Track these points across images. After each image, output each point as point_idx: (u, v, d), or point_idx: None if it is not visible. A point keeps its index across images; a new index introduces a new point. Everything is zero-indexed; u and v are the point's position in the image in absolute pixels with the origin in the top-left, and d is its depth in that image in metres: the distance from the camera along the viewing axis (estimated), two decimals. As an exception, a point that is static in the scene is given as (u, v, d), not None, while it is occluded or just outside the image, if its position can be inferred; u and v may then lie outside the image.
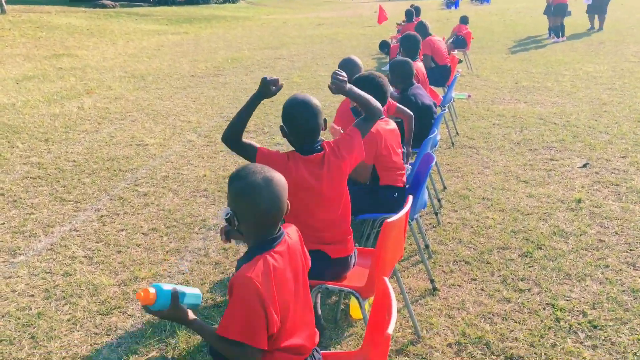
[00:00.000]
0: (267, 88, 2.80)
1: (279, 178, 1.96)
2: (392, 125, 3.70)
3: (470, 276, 3.81)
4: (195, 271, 3.97)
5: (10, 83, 11.36)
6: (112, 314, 3.48)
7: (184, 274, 3.93)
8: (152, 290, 1.84)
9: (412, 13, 12.37)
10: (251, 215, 1.92)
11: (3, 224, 4.79)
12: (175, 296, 1.88)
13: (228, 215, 1.94)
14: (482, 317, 3.35)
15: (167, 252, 4.27)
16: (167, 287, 1.88)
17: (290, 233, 2.08)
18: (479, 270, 3.88)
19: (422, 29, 8.42)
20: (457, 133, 7.21)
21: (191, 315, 1.93)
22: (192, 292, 1.96)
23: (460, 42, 12.03)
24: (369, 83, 3.67)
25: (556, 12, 16.12)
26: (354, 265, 2.98)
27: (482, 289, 3.65)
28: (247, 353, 1.86)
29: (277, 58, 14.99)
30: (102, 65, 13.90)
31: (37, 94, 10.26)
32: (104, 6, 30.44)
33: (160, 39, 20.09)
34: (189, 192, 5.45)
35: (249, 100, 2.85)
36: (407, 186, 3.86)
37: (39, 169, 6.14)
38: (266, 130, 7.65)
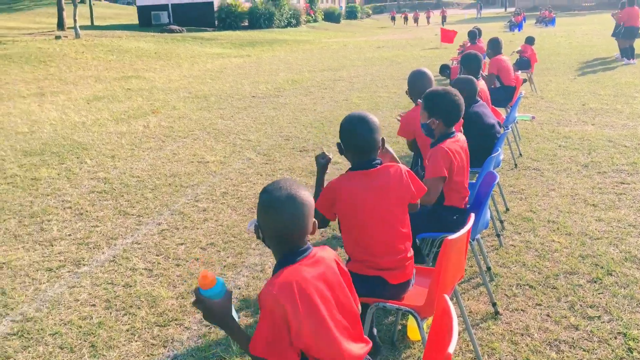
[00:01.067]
0: (318, 162, 3.03)
1: (304, 196, 1.95)
2: (461, 142, 3.58)
3: (535, 301, 3.64)
4: (251, 286, 3.96)
5: (81, 103, 11.89)
6: (169, 325, 3.51)
7: (240, 288, 3.93)
8: (215, 277, 1.89)
9: (476, 34, 12.22)
10: (272, 229, 1.94)
11: (69, 235, 4.95)
12: (230, 294, 1.91)
13: (254, 227, 2.00)
14: (548, 344, 3.18)
15: (225, 266, 4.29)
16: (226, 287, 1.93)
17: (322, 249, 2.06)
18: (544, 295, 3.70)
19: (496, 46, 8.24)
20: (521, 154, 7.00)
21: (236, 318, 1.93)
22: (234, 311, 1.98)
23: (524, 63, 11.76)
24: (443, 99, 3.47)
25: (626, 35, 15.55)
26: (411, 286, 2.89)
27: (548, 315, 3.47)
28: None
29: (336, 80, 15.09)
30: (167, 87, 14.37)
31: (106, 113, 10.68)
32: (171, 31, 31.62)
33: (224, 62, 20.63)
34: (247, 209, 5.49)
35: (316, 179, 3.07)
36: (467, 206, 3.74)
37: (105, 183, 6.35)
38: (324, 149, 7.65)
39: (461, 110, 3.51)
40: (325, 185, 2.85)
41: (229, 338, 3.33)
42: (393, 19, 60.53)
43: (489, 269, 3.95)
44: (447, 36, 22.37)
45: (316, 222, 2.00)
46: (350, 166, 2.81)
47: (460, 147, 3.52)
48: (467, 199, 3.70)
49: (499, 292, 3.77)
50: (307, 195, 1.96)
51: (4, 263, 4.40)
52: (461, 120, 4.19)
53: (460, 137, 3.60)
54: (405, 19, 57.41)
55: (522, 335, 3.28)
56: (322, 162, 2.99)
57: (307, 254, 1.96)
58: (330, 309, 1.94)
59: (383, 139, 2.78)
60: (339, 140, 2.81)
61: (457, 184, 3.52)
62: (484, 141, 4.62)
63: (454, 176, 3.46)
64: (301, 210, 1.92)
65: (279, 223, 1.91)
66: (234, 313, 1.93)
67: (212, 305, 1.88)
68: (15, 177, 6.59)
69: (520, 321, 3.43)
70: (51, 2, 39.50)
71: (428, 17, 55.32)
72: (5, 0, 46.99)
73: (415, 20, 54.00)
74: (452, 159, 3.40)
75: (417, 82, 4.48)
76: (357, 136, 2.70)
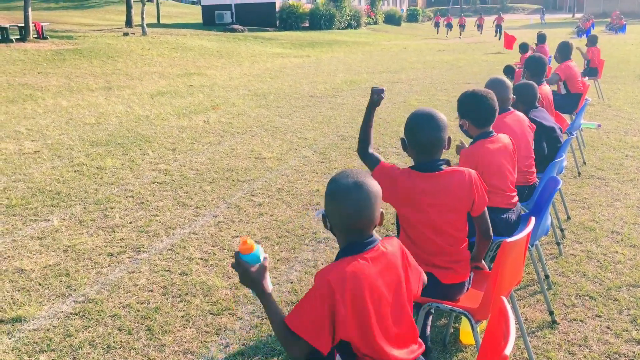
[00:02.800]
0: (373, 95, 3.01)
1: (372, 184, 1.92)
2: (502, 142, 3.46)
3: (595, 312, 3.51)
4: (303, 281, 3.99)
5: (146, 97, 12.27)
6: (222, 314, 3.57)
7: (292, 282, 3.97)
8: (255, 245, 1.94)
9: (545, 37, 11.90)
10: (338, 217, 1.92)
11: (130, 223, 5.12)
12: (265, 267, 1.93)
13: (321, 215, 1.99)
14: (607, 356, 3.07)
15: (278, 260, 4.34)
16: (264, 256, 1.97)
17: (389, 243, 2.02)
18: (604, 307, 3.57)
19: (565, 51, 7.93)
20: (585, 163, 6.77)
21: (269, 287, 1.95)
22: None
23: (591, 71, 11.37)
24: (479, 101, 3.36)
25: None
26: (467, 290, 2.83)
27: (608, 327, 3.35)
28: (304, 350, 1.84)
29: (395, 82, 15.01)
30: (228, 84, 14.65)
31: (169, 108, 10.99)
32: (233, 30, 32.21)
33: (283, 62, 20.86)
34: (301, 205, 5.54)
35: (365, 113, 3.04)
36: (522, 212, 3.64)
37: (165, 175, 6.53)
38: (381, 150, 7.62)
39: (491, 111, 3.36)
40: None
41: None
42: (437, 25, 45.48)
43: (547, 277, 3.84)
44: (509, 41, 21.91)
45: (383, 212, 1.97)
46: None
47: (497, 148, 3.38)
48: (514, 199, 3.57)
49: (557, 301, 3.66)
50: (374, 185, 1.93)
51: (68, 246, 4.59)
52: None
53: (502, 137, 3.47)
54: (449, 25, 41.69)
55: (580, 346, 3.18)
56: (376, 99, 3.02)
57: (372, 246, 1.93)
58: (380, 310, 1.91)
59: (449, 138, 2.68)
60: (402, 136, 2.75)
61: (494, 186, 3.35)
62: (544, 146, 4.49)
63: (489, 178, 3.29)
64: (368, 199, 1.89)
65: (345, 211, 1.89)
66: (268, 282, 1.96)
67: (248, 269, 1.91)
68: (82, 166, 6.87)
69: (579, 332, 3.32)
70: (120, 1, 40.95)
71: (480, 25, 41.31)
72: (78, -2, 49.00)
73: (479, 27, 41.22)
74: (482, 164, 3.27)
75: (495, 92, 4.13)
76: (421, 133, 2.62)
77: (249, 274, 1.92)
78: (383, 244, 1.98)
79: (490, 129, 3.40)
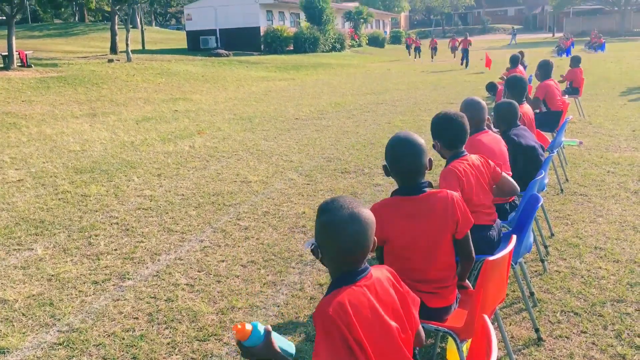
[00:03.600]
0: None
1: (367, 215, 1.90)
2: (475, 161, 3.52)
3: (580, 328, 3.53)
4: (290, 304, 3.98)
5: (131, 123, 12.27)
6: (209, 340, 3.55)
7: (279, 306, 3.96)
8: (248, 326, 1.83)
9: (518, 59, 12.08)
10: (334, 249, 1.88)
11: (115, 250, 5.09)
12: (269, 333, 1.85)
13: (312, 247, 1.93)
14: (593, 373, 3.08)
15: (264, 284, 4.33)
16: (262, 327, 1.87)
17: (379, 270, 2.01)
18: (589, 323, 3.59)
19: (546, 69, 8.05)
20: (567, 180, 6.85)
21: (290, 346, 1.89)
22: (286, 341, 1.94)
23: (573, 90, 11.55)
24: (449, 123, 3.39)
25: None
26: (453, 311, 2.84)
27: (594, 343, 3.37)
28: None
29: (379, 103, 15.14)
30: (213, 108, 14.70)
31: (154, 133, 10.99)
32: (218, 55, 32.38)
33: (268, 85, 20.98)
34: (287, 228, 5.54)
35: None
36: (503, 229, 3.67)
37: (150, 201, 6.51)
38: (366, 171, 7.66)
39: (462, 133, 3.38)
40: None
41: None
42: (408, 47, 41.49)
43: (532, 294, 3.87)
44: (489, 61, 22.37)
45: (376, 240, 1.95)
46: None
47: (469, 165, 3.42)
48: (494, 215, 3.61)
49: (542, 318, 3.68)
50: (368, 213, 1.92)
51: (52, 275, 4.55)
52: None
53: (474, 157, 3.52)
54: (417, 49, 37.96)
55: (566, 363, 3.19)
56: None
57: (366, 274, 1.91)
58: (381, 335, 1.89)
59: (430, 160, 2.70)
60: (384, 162, 2.76)
61: (475, 204, 3.38)
62: (525, 164, 4.55)
63: (470, 195, 3.37)
64: (365, 230, 1.87)
65: (342, 244, 1.85)
66: (285, 345, 1.90)
67: (258, 351, 1.84)
68: (66, 193, 6.83)
69: (565, 348, 3.33)
70: (105, 28, 41.11)
71: (453, 47, 34.58)
72: (62, 26, 49.15)
73: (452, 49, 34.67)
74: (460, 178, 3.31)
75: (470, 112, 4.18)
76: (402, 161, 2.64)
77: (261, 354, 1.85)
78: (373, 271, 1.97)
79: (462, 149, 3.44)
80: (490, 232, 3.53)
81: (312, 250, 1.94)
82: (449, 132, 3.38)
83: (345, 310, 1.80)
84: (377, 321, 1.87)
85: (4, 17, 21.62)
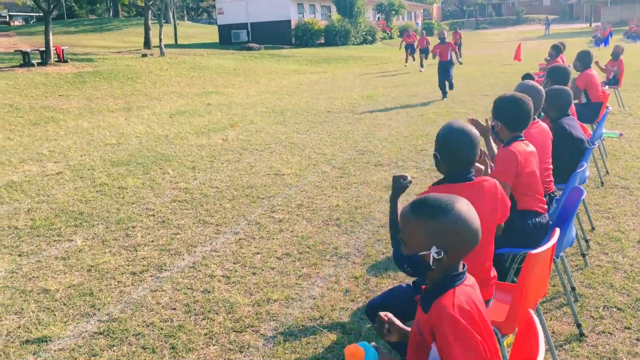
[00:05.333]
0: (399, 183, 2.75)
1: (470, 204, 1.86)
2: (531, 147, 3.47)
3: (624, 324, 3.44)
4: (325, 297, 3.97)
5: (165, 117, 12.41)
6: (245, 331, 3.57)
7: (314, 298, 3.95)
8: (360, 348, 1.81)
9: (560, 49, 11.79)
10: (462, 248, 1.79)
11: (152, 241, 5.15)
12: (378, 348, 1.82)
13: (440, 254, 1.77)
14: (639, 370, 3.00)
15: (299, 276, 4.33)
16: (370, 345, 1.85)
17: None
18: (633, 318, 3.49)
19: (586, 59, 7.84)
20: (607, 172, 6.68)
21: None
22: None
23: (613, 80, 11.25)
24: (516, 104, 3.38)
25: None
26: (491, 304, 2.79)
27: (638, 339, 3.28)
28: None
29: (411, 95, 15.00)
30: (245, 102, 14.77)
31: (188, 126, 11.10)
32: (250, 49, 32.53)
33: (300, 78, 20.99)
34: (321, 221, 5.53)
35: (390, 204, 2.76)
36: (550, 221, 3.59)
37: (185, 193, 6.58)
38: (399, 164, 7.59)
39: (527, 116, 3.39)
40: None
41: (303, 346, 3.35)
42: (408, 48, 25.70)
43: (573, 289, 3.78)
44: (519, 53, 22.05)
45: None
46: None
47: (530, 152, 3.41)
48: (545, 204, 3.55)
49: (584, 314, 3.60)
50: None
51: (92, 266, 4.63)
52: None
53: (530, 144, 3.47)
54: (410, 48, 25.21)
55: (610, 359, 3.11)
56: (404, 184, 2.77)
57: (466, 275, 1.85)
58: (489, 336, 1.82)
59: (481, 150, 2.71)
60: (435, 152, 2.70)
61: (529, 188, 3.39)
62: (571, 156, 4.44)
63: (526, 180, 3.34)
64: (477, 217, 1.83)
65: (471, 238, 1.78)
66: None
67: None
68: (103, 186, 6.95)
69: (608, 344, 3.25)
70: (138, 23, 41.64)
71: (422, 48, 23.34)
72: (97, 21, 49.95)
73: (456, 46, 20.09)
74: (521, 164, 3.29)
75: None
76: (460, 149, 2.60)
77: None
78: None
79: (521, 134, 3.40)
80: (541, 220, 3.46)
81: (436, 259, 1.78)
82: (514, 113, 3.36)
83: (467, 310, 1.73)
84: (484, 320, 1.81)
85: (42, 14, 22.07)
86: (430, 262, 1.77)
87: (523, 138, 3.42)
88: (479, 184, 2.66)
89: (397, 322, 2.00)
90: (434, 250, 1.76)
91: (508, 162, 3.26)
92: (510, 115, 3.37)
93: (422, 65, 22.90)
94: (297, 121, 11.46)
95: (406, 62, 25.12)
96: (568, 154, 4.36)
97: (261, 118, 11.98)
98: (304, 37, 37.59)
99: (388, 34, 47.73)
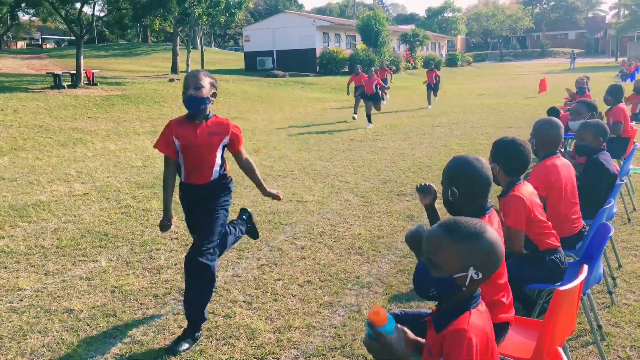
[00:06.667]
0: (429, 189, 3.19)
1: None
2: (531, 187, 3.47)
3: (653, 366, 3.36)
4: (347, 326, 3.95)
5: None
6: (266, 358, 3.56)
7: (335, 327, 3.93)
8: (383, 312, 1.75)
9: (585, 82, 11.75)
10: (494, 268, 1.82)
11: (175, 264, 5.19)
12: (402, 330, 1.83)
13: (478, 275, 1.78)
14: (669, 414, 2.91)
15: (321, 304, 4.32)
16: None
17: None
18: (663, 361, 3.41)
19: (618, 93, 7.78)
20: (635, 209, 6.58)
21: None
22: None
23: (638, 115, 11.15)
24: (514, 148, 3.35)
25: None
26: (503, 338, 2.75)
27: (668, 382, 3.20)
28: None
29: (435, 125, 15.02)
30: (269, 128, 14.91)
31: (212, 151, 11.21)
32: (274, 76, 32.94)
33: (324, 106, 21.16)
34: (343, 249, 5.53)
35: (428, 211, 3.31)
36: (569, 258, 3.56)
37: (209, 217, 6.62)
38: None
39: (523, 162, 3.34)
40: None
41: (325, 376, 3.33)
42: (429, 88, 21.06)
43: (600, 327, 3.71)
44: (543, 86, 22.26)
45: None
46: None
47: (532, 192, 3.42)
48: (556, 237, 3.53)
49: (610, 353, 3.52)
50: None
51: (115, 287, 4.68)
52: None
53: (529, 185, 3.47)
54: (431, 89, 20.90)
55: (638, 401, 3.03)
56: (434, 189, 3.04)
57: (480, 299, 1.87)
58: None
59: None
60: (449, 188, 2.72)
61: (539, 226, 3.39)
62: (603, 192, 4.40)
63: (536, 219, 3.33)
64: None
65: (499, 261, 1.82)
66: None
67: (391, 341, 1.75)
68: (129, 208, 7.04)
69: (636, 386, 3.17)
70: (166, 48, 42.52)
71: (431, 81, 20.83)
72: (126, 46, 51.13)
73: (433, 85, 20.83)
74: (529, 207, 3.29)
75: (541, 133, 4.03)
76: (478, 179, 2.63)
77: (392, 347, 1.75)
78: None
79: (520, 178, 3.39)
80: (558, 256, 3.43)
81: (474, 277, 1.79)
82: (513, 159, 3.33)
83: (482, 333, 1.76)
84: (493, 346, 1.83)
85: (73, 37, 22.68)
86: (466, 284, 1.77)
87: (521, 180, 3.39)
88: (491, 219, 2.70)
89: (412, 334, 2.00)
90: (471, 271, 1.76)
91: (519, 209, 3.25)
92: (508, 159, 3.34)
93: (383, 99, 16.94)
94: (320, 148, 11.53)
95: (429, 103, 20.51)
96: (600, 189, 4.32)
97: (284, 145, 12.07)
98: (329, 65, 38.00)
99: (412, 64, 48.03)
